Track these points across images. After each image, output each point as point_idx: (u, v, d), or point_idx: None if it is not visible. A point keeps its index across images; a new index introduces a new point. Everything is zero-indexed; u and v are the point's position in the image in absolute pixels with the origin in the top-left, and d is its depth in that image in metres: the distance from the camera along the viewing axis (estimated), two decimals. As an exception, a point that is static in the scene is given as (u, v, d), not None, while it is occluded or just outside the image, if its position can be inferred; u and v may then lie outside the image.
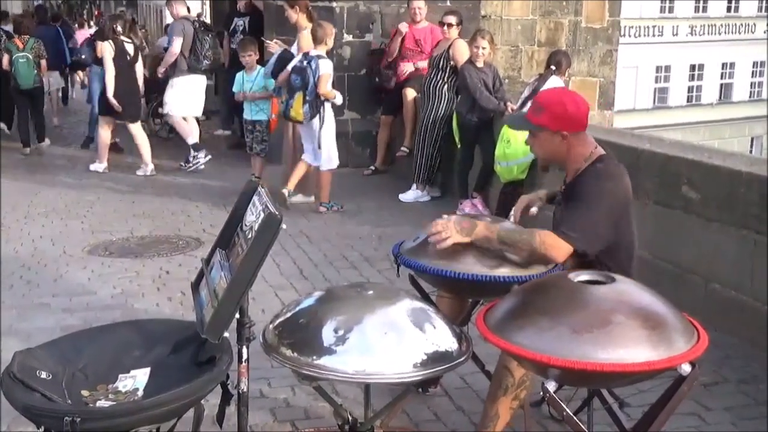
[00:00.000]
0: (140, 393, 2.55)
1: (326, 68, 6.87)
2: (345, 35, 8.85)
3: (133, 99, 8.99)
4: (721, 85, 31.81)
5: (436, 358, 2.48)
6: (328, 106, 6.95)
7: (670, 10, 30.55)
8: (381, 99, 8.81)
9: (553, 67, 6.72)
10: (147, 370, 2.64)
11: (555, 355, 2.21)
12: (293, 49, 7.33)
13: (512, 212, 3.47)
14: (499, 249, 2.98)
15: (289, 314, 2.70)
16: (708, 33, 31.19)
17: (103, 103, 8.98)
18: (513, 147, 6.31)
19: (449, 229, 3.00)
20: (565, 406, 2.33)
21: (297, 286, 5.17)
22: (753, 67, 32.08)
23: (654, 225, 4.91)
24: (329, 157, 7.05)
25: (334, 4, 8.82)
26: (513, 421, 2.97)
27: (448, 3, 8.87)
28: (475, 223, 3.03)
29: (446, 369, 2.51)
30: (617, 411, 2.91)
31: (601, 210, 3.00)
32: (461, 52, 7.37)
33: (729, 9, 31.66)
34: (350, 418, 2.77)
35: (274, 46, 7.45)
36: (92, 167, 9.01)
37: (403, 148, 8.30)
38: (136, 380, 2.60)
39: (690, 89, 31.27)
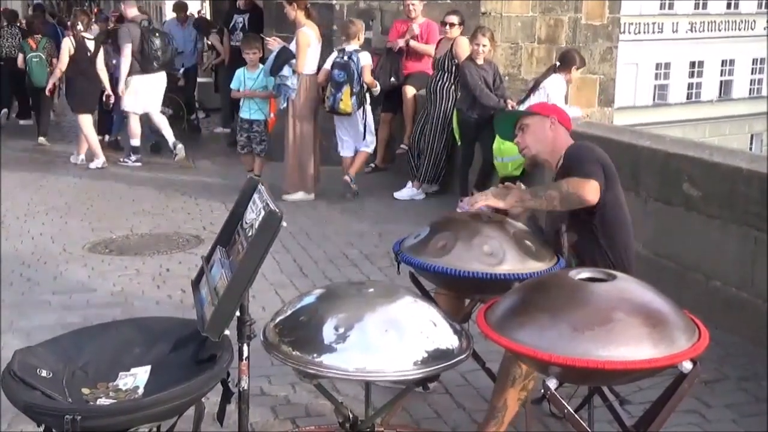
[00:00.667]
0: (141, 391, 2.55)
1: (366, 59, 7.41)
2: (345, 32, 8.83)
3: (91, 92, 9.25)
4: (721, 82, 31.79)
5: (437, 355, 2.48)
6: (367, 95, 7.50)
7: (670, 6, 30.53)
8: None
9: (557, 63, 6.72)
10: (147, 368, 2.64)
11: (556, 353, 2.21)
12: (292, 47, 7.33)
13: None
14: (531, 203, 3.21)
15: (289, 312, 2.69)
16: (708, 30, 31.17)
17: (73, 102, 9.31)
18: (508, 143, 6.31)
19: (486, 193, 3.27)
20: (566, 404, 2.33)
21: (297, 284, 5.16)
22: (753, 64, 32.06)
23: (655, 222, 4.91)
24: (373, 140, 7.74)
25: (334, 2, 8.82)
26: (513, 419, 2.97)
27: (449, 0, 8.86)
28: (507, 192, 3.25)
29: (447, 367, 2.51)
30: (618, 408, 2.90)
31: (595, 161, 3.18)
32: (463, 48, 7.37)
33: (729, 6, 31.64)
34: (351, 416, 2.77)
35: (274, 44, 7.44)
36: (92, 165, 9.08)
37: (402, 146, 8.31)
38: (136, 378, 2.60)
39: (690, 86, 31.25)
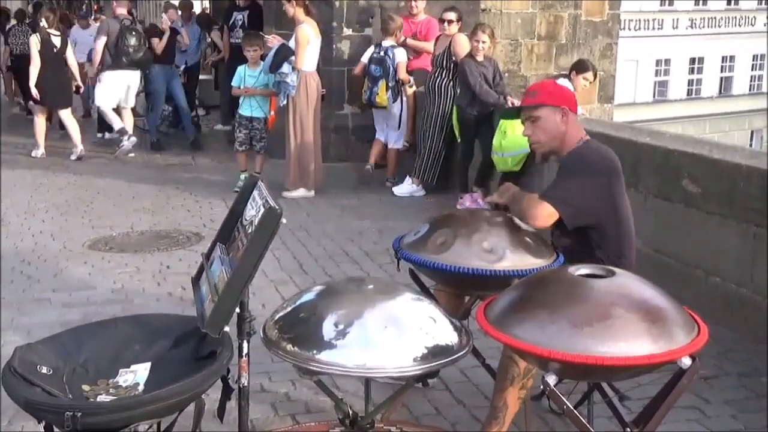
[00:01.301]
0: (141, 388, 2.55)
1: (402, 56, 7.81)
2: (344, 29, 8.83)
3: (61, 87, 9.52)
4: (721, 78, 31.79)
5: (437, 352, 2.48)
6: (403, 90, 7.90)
7: (670, 3, 30.51)
8: None
9: (565, 73, 6.82)
10: (147, 365, 2.64)
11: (555, 349, 2.21)
12: (291, 44, 7.32)
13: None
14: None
15: (289, 309, 2.69)
16: (708, 26, 31.16)
17: (46, 97, 9.52)
18: (509, 138, 6.33)
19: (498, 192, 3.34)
20: (565, 400, 2.33)
21: (297, 281, 5.17)
22: (753, 60, 32.06)
23: (654, 219, 4.91)
24: (402, 136, 8.07)
25: (334, -2, 8.81)
26: (514, 416, 2.97)
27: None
28: (508, 187, 3.30)
29: (446, 363, 2.51)
30: (617, 404, 2.90)
31: (581, 181, 3.09)
32: (462, 45, 7.36)
33: (729, 2, 31.64)
34: (351, 412, 2.77)
35: (273, 41, 7.43)
36: (32, 154, 9.49)
37: (403, 143, 8.30)
38: (136, 375, 2.60)
39: (690, 82, 31.25)
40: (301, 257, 5.74)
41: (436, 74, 7.55)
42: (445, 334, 2.56)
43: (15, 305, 4.76)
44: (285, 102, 7.37)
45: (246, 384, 2.63)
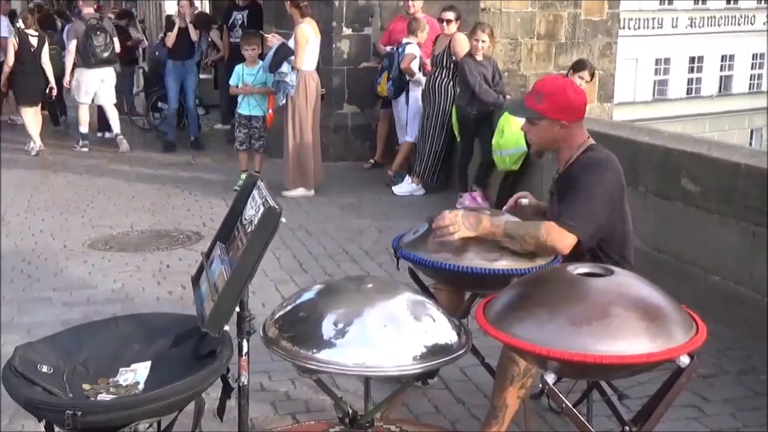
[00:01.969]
0: (141, 386, 2.56)
1: (411, 49, 7.81)
2: (344, 29, 8.83)
3: (33, 85, 9.78)
4: (721, 77, 31.76)
5: (436, 350, 2.48)
6: (412, 85, 7.85)
7: (670, 2, 30.50)
8: None
9: (564, 72, 6.79)
10: (148, 364, 2.64)
11: (554, 348, 2.21)
12: (291, 43, 7.33)
13: (505, 207, 3.48)
14: (505, 243, 2.97)
15: (289, 308, 2.70)
16: (707, 25, 31.14)
17: (16, 95, 10.02)
18: (506, 137, 6.35)
19: (458, 224, 2.97)
20: (564, 398, 2.34)
21: (297, 280, 5.17)
22: (753, 59, 32.02)
23: (654, 217, 4.92)
24: (413, 130, 8.00)
25: (334, -2, 8.81)
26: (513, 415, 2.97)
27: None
28: (480, 218, 3.00)
29: (446, 362, 2.52)
30: (616, 403, 2.91)
31: (599, 199, 3.02)
32: (461, 44, 7.36)
33: (728, 1, 31.60)
34: (350, 411, 2.78)
35: (273, 40, 7.44)
36: (26, 147, 9.69)
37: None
38: (136, 374, 2.61)
39: (690, 81, 31.22)
40: (301, 256, 5.74)
41: (436, 74, 7.55)
42: (445, 332, 2.57)
43: (15, 304, 4.77)
44: (284, 101, 7.38)
45: (246, 383, 2.63)
